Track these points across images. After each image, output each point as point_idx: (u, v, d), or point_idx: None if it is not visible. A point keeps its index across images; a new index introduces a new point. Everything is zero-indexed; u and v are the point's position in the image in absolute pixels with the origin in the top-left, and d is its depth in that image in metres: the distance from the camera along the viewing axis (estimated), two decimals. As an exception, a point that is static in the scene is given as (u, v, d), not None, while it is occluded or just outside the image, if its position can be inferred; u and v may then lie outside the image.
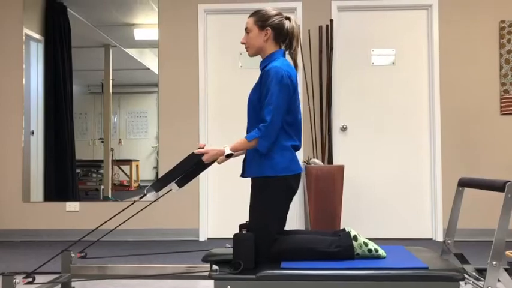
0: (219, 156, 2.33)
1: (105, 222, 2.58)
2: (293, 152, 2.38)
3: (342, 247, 2.29)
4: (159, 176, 2.50)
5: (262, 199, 2.34)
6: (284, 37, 2.45)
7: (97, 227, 2.52)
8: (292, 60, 2.47)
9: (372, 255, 2.30)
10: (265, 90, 2.31)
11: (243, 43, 2.49)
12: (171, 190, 2.48)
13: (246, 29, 2.47)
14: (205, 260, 2.36)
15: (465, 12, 4.82)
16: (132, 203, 2.62)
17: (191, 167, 2.41)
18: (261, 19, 2.42)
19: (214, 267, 2.20)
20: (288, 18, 2.45)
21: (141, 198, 2.52)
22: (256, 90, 2.40)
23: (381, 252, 2.31)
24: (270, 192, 2.32)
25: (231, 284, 2.12)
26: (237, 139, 2.37)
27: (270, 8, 2.45)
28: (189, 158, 2.39)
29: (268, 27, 2.41)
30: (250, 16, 2.46)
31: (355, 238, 2.31)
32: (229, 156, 2.32)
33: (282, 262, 2.25)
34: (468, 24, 4.82)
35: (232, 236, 4.97)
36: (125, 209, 2.65)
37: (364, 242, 2.31)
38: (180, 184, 2.47)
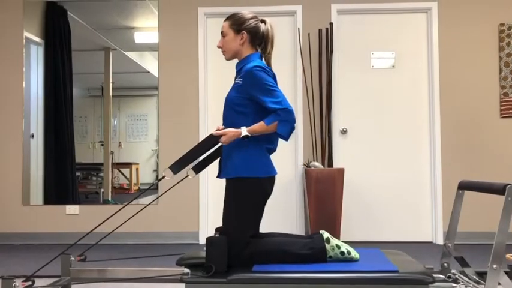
0: (237, 137, 2.31)
1: (101, 224, 2.58)
2: (268, 154, 2.40)
3: (315, 249, 2.29)
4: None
5: (235, 201, 2.33)
6: (260, 40, 2.46)
7: (92, 229, 2.52)
8: (267, 63, 2.48)
9: (344, 258, 2.31)
10: (257, 89, 2.31)
11: (219, 47, 2.49)
12: (187, 176, 2.45)
13: (221, 32, 2.47)
14: (178, 263, 2.36)
15: (464, 16, 4.83)
16: (128, 203, 2.61)
17: (209, 149, 2.37)
18: (236, 23, 2.43)
19: (186, 270, 2.20)
20: (264, 21, 2.47)
21: (159, 180, 2.50)
22: (237, 90, 2.38)
23: (354, 254, 2.32)
24: (243, 193, 2.32)
25: (202, 287, 2.12)
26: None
27: (245, 12, 2.47)
28: (207, 139, 2.35)
29: (244, 31, 2.42)
30: (225, 20, 2.47)
31: (328, 240, 2.31)
32: (246, 137, 2.30)
33: (254, 265, 2.24)
34: (467, 27, 4.83)
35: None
36: (119, 210, 2.65)
37: (336, 244, 2.31)
38: (197, 170, 2.45)
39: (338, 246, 2.31)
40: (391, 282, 2.09)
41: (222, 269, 2.19)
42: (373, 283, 2.10)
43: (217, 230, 2.37)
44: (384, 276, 2.10)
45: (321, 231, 2.36)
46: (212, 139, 2.34)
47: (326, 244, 2.31)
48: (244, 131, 2.29)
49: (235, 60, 2.54)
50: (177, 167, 2.35)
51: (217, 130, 2.35)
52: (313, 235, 2.39)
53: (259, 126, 2.30)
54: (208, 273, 2.15)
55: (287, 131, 2.30)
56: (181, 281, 2.17)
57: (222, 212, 4.87)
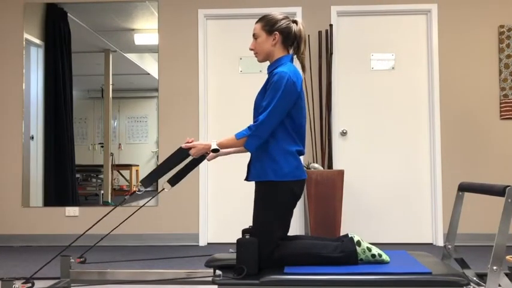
0: (206, 150, 2.34)
1: (96, 223, 2.58)
2: (297, 157, 2.38)
3: (346, 252, 2.28)
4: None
5: (265, 204, 2.33)
6: (292, 40, 2.45)
7: (87, 229, 2.51)
8: (301, 63, 2.49)
9: (375, 260, 2.30)
10: (267, 93, 2.32)
11: (251, 49, 2.49)
12: (163, 189, 2.47)
13: (253, 35, 2.47)
14: (208, 265, 2.36)
15: (464, 17, 4.83)
16: (114, 208, 2.62)
17: (179, 162, 2.40)
18: (268, 24, 2.43)
19: (218, 272, 2.19)
20: (295, 22, 2.46)
21: (131, 195, 2.52)
22: (261, 93, 2.41)
23: (385, 257, 2.31)
24: (273, 197, 2.32)
25: None
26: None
27: (276, 13, 2.46)
28: (177, 152, 2.39)
29: (276, 32, 2.41)
30: (257, 22, 2.47)
31: (359, 243, 2.31)
32: (215, 151, 2.32)
33: (285, 267, 2.24)
34: (467, 29, 4.83)
35: (232, 241, 4.98)
36: (108, 213, 2.65)
37: (367, 247, 2.31)
38: (172, 183, 2.47)
39: (369, 249, 2.30)
40: (425, 284, 2.07)
41: (254, 271, 2.19)
42: (407, 285, 2.08)
43: (244, 231, 2.37)
44: (418, 278, 2.08)
45: (350, 234, 2.36)
46: (182, 152, 2.38)
47: (357, 247, 2.30)
48: (213, 144, 2.31)
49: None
50: (148, 181, 2.40)
51: (186, 143, 2.37)
52: (343, 238, 2.39)
53: (229, 140, 2.32)
54: (240, 275, 2.16)
55: (253, 146, 2.30)
56: (213, 282, 2.16)
57: (221, 215, 4.88)
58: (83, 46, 5.04)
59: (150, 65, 5.01)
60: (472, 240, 4.71)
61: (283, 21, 2.43)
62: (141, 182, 2.39)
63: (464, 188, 2.43)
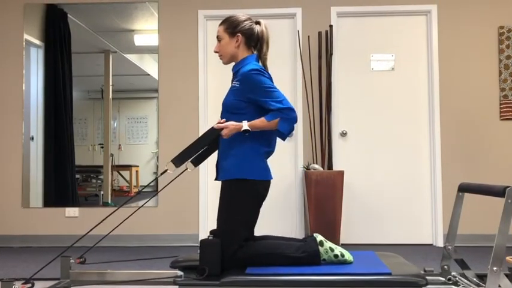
0: (238, 130, 2.33)
1: (97, 225, 2.58)
2: (265, 158, 2.40)
3: (308, 252, 2.30)
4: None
5: (230, 203, 2.34)
6: (255, 41, 2.47)
7: (88, 231, 2.51)
8: (262, 64, 2.49)
9: (338, 261, 2.31)
10: (257, 92, 2.32)
11: (215, 52, 2.50)
12: (186, 169, 2.46)
13: (217, 37, 2.49)
14: (172, 265, 2.36)
15: (464, 18, 4.84)
16: (120, 207, 2.61)
17: (210, 142, 2.39)
18: (230, 26, 2.44)
19: (179, 273, 2.20)
20: (258, 23, 2.48)
21: (162, 174, 2.50)
22: (234, 94, 2.39)
23: (347, 257, 2.33)
24: (237, 196, 2.32)
25: None
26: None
27: (239, 14, 2.48)
28: (209, 132, 2.37)
29: (239, 33, 2.43)
30: (220, 24, 2.49)
31: (321, 243, 2.32)
32: (246, 132, 2.31)
33: (248, 268, 2.25)
34: (467, 29, 4.83)
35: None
36: (112, 213, 2.65)
37: (330, 247, 2.32)
38: (196, 163, 2.45)
39: (332, 249, 2.31)
40: (383, 284, 2.10)
41: (216, 272, 2.20)
42: (365, 286, 2.11)
43: (211, 232, 2.37)
44: (376, 279, 2.11)
45: (314, 234, 2.37)
46: (214, 132, 2.36)
47: (320, 247, 2.31)
48: (245, 125, 2.30)
49: (233, 63, 2.54)
50: (179, 160, 2.36)
51: (218, 123, 2.36)
52: (307, 238, 2.39)
53: (260, 121, 2.31)
54: (202, 275, 2.16)
55: (287, 129, 2.31)
56: (174, 283, 2.17)
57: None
58: (83, 47, 5.04)
59: (150, 66, 5.01)
60: (472, 241, 4.71)
61: (246, 22, 2.44)
62: (172, 161, 2.36)
63: (464, 188, 2.43)
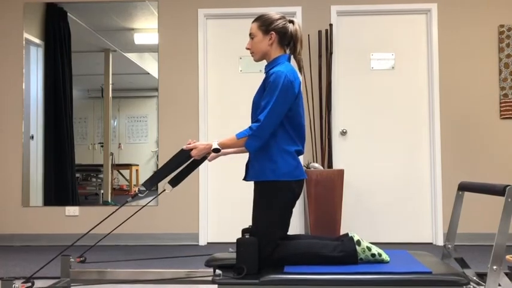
0: (207, 150, 2.34)
1: (98, 224, 2.58)
2: (296, 157, 2.38)
3: (345, 252, 2.28)
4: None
5: (264, 204, 2.33)
6: (288, 40, 2.45)
7: (89, 230, 2.52)
8: (297, 64, 2.48)
9: (375, 260, 2.30)
10: (265, 93, 2.32)
11: (247, 49, 2.49)
12: (164, 190, 2.48)
13: (250, 34, 2.47)
14: (208, 264, 2.36)
15: (464, 17, 4.83)
16: (118, 209, 2.61)
17: (181, 164, 2.41)
18: (264, 23, 2.43)
19: (218, 271, 2.19)
20: (292, 22, 2.46)
21: (133, 197, 2.51)
22: (259, 93, 2.41)
23: (384, 256, 2.31)
24: (272, 197, 2.32)
25: None
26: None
27: (273, 13, 2.46)
28: (179, 154, 2.40)
29: (272, 31, 2.41)
30: (253, 21, 2.47)
31: (359, 243, 2.31)
32: (216, 151, 2.32)
33: (285, 266, 2.24)
34: (467, 28, 4.83)
35: (232, 240, 4.97)
36: (112, 213, 2.65)
37: (367, 246, 2.30)
38: (174, 184, 2.47)
39: (369, 248, 2.30)
40: (425, 283, 2.07)
41: (253, 271, 2.20)
42: (407, 285, 2.07)
43: (244, 231, 2.37)
44: (417, 278, 2.08)
45: (350, 233, 2.36)
46: (183, 154, 2.39)
47: (357, 246, 2.30)
48: (214, 144, 2.31)
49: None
50: (149, 183, 2.41)
51: (187, 144, 2.38)
52: (343, 237, 2.38)
53: (230, 139, 2.31)
54: (240, 274, 2.16)
55: (254, 146, 2.29)
56: (213, 282, 2.16)
57: (221, 215, 4.87)
58: (82, 46, 5.04)
59: (150, 65, 5.01)
60: (472, 239, 4.71)
61: (280, 21, 2.43)
62: (142, 184, 2.40)
63: (464, 187, 2.43)
